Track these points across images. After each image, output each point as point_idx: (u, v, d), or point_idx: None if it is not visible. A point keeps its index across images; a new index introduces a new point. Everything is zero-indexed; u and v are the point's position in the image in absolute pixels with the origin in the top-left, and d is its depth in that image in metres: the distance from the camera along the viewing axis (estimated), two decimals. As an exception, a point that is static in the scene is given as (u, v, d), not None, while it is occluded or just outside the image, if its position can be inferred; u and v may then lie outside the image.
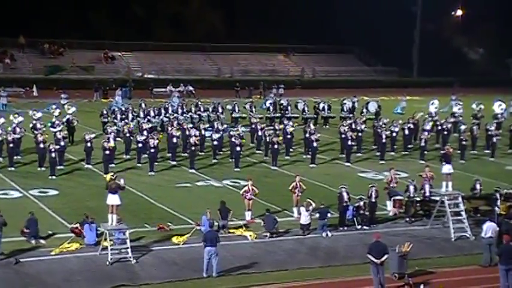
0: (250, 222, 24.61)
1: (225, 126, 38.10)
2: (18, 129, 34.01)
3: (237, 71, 74.69)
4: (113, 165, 31.65)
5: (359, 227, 24.32)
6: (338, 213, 24.75)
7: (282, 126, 37.70)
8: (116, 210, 21.21)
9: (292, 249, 22.31)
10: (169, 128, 35.41)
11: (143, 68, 71.89)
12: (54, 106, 42.34)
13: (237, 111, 44.23)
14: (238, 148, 33.09)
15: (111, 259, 20.52)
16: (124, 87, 58.10)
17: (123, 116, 39.94)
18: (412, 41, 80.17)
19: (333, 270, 20.56)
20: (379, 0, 75.56)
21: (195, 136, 33.46)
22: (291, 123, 38.30)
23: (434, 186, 25.65)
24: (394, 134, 37.18)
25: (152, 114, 40.89)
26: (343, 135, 35.61)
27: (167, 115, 41.36)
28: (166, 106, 43.24)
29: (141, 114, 40.51)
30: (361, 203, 24.57)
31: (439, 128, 39.53)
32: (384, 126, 37.52)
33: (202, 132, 35.70)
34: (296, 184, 25.37)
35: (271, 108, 46.01)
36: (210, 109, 43.63)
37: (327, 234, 23.51)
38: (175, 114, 41.51)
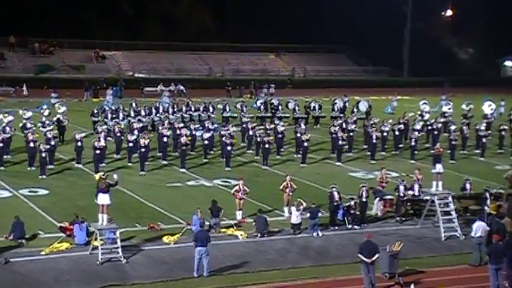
0: (241, 221, 24.62)
1: (216, 125, 38.08)
2: (8, 129, 33.91)
3: (228, 70, 74.64)
4: (103, 164, 31.59)
5: (350, 226, 24.37)
6: (329, 212, 24.79)
7: (272, 125, 37.73)
8: (107, 210, 21.17)
9: (283, 249, 22.33)
10: (160, 128, 35.37)
11: (134, 67, 71.72)
12: (45, 106, 42.27)
13: (227, 110, 44.20)
14: (229, 147, 33.08)
15: (101, 259, 20.48)
16: (115, 86, 57.95)
17: (114, 116, 39.82)
18: (403, 41, 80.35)
19: (324, 270, 20.60)
20: (370, 0, 75.72)
21: (186, 136, 33.44)
22: (281, 122, 38.34)
23: (425, 186, 25.73)
24: (385, 134, 37.27)
25: (143, 113, 40.79)
26: (333, 135, 35.67)
27: (158, 114, 41.29)
28: (157, 105, 43.14)
29: (132, 114, 40.41)
30: (352, 203, 24.63)
31: (429, 127, 39.65)
32: (374, 126, 37.62)
33: (193, 131, 35.66)
34: (287, 184, 25.40)
35: (262, 107, 46.03)
36: (201, 108, 43.58)
37: (317, 234, 23.55)
38: (166, 114, 41.45)
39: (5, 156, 32.19)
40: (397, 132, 37.96)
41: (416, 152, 35.91)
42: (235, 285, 19.32)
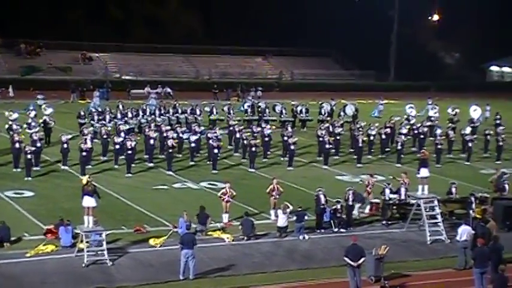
0: (227, 224, 24.61)
1: (203, 128, 38.06)
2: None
3: (215, 73, 74.63)
4: (89, 166, 31.48)
5: (336, 229, 24.42)
6: (315, 216, 24.83)
7: (259, 128, 37.76)
8: (92, 212, 21.09)
9: (270, 252, 22.34)
10: (147, 130, 35.31)
11: (121, 69, 71.53)
12: (31, 107, 42.09)
13: (215, 113, 44.17)
14: (215, 150, 33.06)
15: (87, 261, 20.40)
16: (101, 88, 57.75)
17: (101, 118, 39.71)
18: (389, 45, 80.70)
19: (310, 273, 20.62)
20: (357, 4, 76.01)
21: (173, 138, 33.40)
22: (268, 125, 38.37)
23: (411, 190, 25.83)
24: (372, 138, 37.40)
25: (130, 115, 40.69)
26: (320, 139, 35.74)
27: (145, 117, 41.19)
28: (144, 108, 43.08)
29: (119, 116, 40.27)
30: (338, 206, 24.68)
31: (416, 131, 39.84)
32: (361, 129, 37.74)
33: (180, 134, 35.61)
34: (273, 187, 25.42)
35: (249, 110, 46.05)
36: (188, 111, 43.53)
37: (304, 237, 23.58)
38: (152, 116, 41.36)
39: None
40: (383, 136, 38.10)
41: (402, 155, 36.05)
42: (221, 288, 19.33)
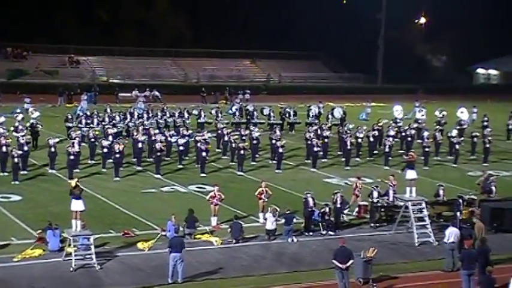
0: (216, 227, 24.60)
1: (191, 131, 38.04)
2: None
3: (203, 76, 74.61)
4: (77, 170, 31.37)
5: (324, 232, 24.45)
6: (303, 218, 24.86)
7: (247, 131, 37.78)
8: (80, 216, 21.01)
9: (258, 255, 22.33)
10: (135, 133, 35.24)
11: (108, 72, 71.36)
12: (18, 110, 41.91)
13: (203, 116, 44.16)
14: (204, 153, 33.05)
15: (75, 265, 20.31)
16: (89, 92, 57.57)
17: (88, 121, 39.61)
18: (377, 48, 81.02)
19: (298, 276, 20.64)
20: (345, 7, 76.21)
21: (161, 141, 33.35)
22: (256, 128, 38.39)
23: (398, 192, 25.93)
24: (360, 140, 37.50)
25: (118, 119, 40.63)
26: (308, 141, 35.81)
27: (133, 120, 41.13)
28: (132, 111, 43.02)
29: (106, 119, 40.20)
30: (327, 209, 24.72)
31: (403, 134, 39.99)
32: (349, 132, 37.85)
33: (168, 137, 35.56)
34: (262, 190, 25.45)
35: (237, 113, 46.07)
36: (176, 114, 43.50)
37: (292, 240, 23.61)
38: (140, 120, 41.30)
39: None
40: (371, 139, 38.22)
41: (390, 158, 36.18)
42: (210, 291, 19.32)
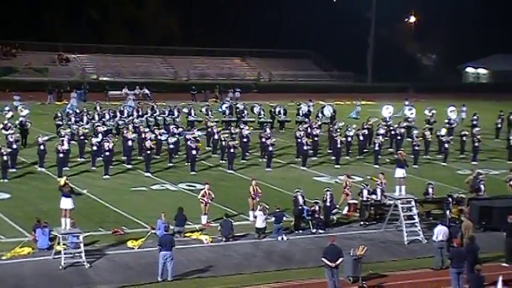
0: (206, 226, 24.59)
1: (181, 129, 37.99)
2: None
3: (193, 74, 74.50)
4: (67, 168, 31.28)
5: (314, 230, 24.49)
6: (293, 217, 24.90)
7: (238, 130, 37.78)
8: (70, 214, 20.96)
9: (248, 253, 22.35)
10: (125, 131, 35.17)
11: (98, 70, 71.14)
12: (7, 108, 41.70)
13: (193, 114, 44.09)
14: (194, 152, 33.02)
15: (64, 263, 20.27)
16: (79, 89, 57.36)
17: (78, 119, 39.50)
18: (367, 47, 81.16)
19: (288, 274, 20.66)
20: (335, 5, 76.34)
21: (151, 140, 33.30)
22: (246, 127, 38.38)
23: (388, 191, 26.00)
24: (349, 139, 37.57)
25: (107, 117, 40.53)
26: (299, 140, 35.84)
27: (122, 118, 41.04)
28: (122, 109, 42.92)
29: (96, 117, 40.11)
30: (316, 207, 24.76)
31: (393, 132, 40.10)
32: (339, 130, 37.90)
33: (158, 135, 35.50)
34: (253, 188, 25.46)
35: (227, 112, 46.05)
36: (166, 112, 43.43)
37: (282, 238, 23.64)
38: (130, 118, 41.21)
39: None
40: (361, 137, 38.28)
41: (380, 156, 36.26)
42: (199, 289, 19.30)
